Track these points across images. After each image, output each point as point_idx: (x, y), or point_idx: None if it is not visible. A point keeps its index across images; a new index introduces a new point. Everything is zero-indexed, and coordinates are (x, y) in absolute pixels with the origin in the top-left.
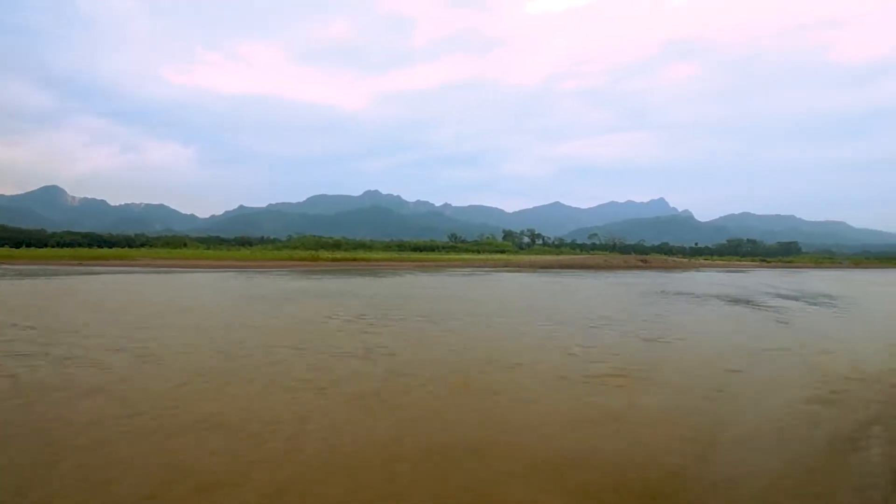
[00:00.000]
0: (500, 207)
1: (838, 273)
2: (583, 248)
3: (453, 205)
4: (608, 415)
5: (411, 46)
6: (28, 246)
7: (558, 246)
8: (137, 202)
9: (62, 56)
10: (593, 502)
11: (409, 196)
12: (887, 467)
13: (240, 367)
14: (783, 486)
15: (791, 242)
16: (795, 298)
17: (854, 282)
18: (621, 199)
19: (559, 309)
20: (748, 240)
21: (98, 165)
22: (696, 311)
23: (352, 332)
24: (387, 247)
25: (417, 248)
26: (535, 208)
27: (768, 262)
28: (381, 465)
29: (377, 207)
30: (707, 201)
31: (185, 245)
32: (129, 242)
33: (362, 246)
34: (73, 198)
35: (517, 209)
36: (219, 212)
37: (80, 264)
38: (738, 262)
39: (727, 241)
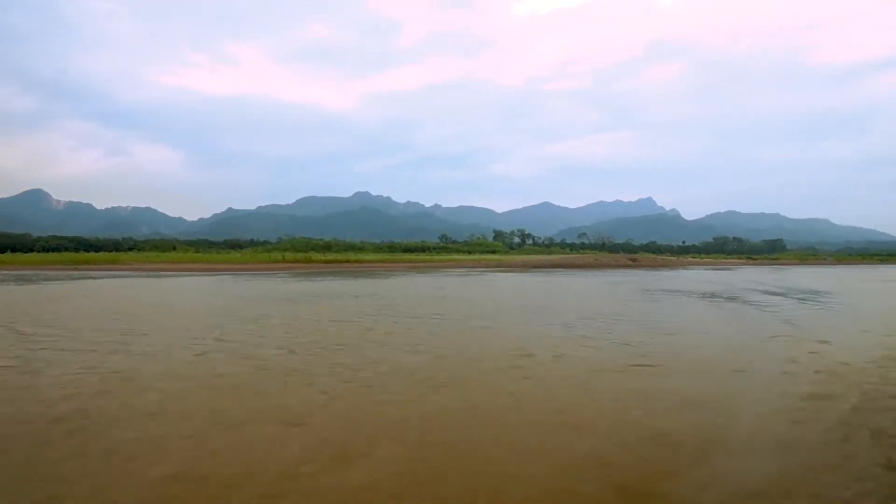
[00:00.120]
0: (490, 208)
1: (823, 270)
2: (572, 247)
3: (443, 205)
4: (641, 393)
5: (399, 47)
6: (13, 251)
7: (548, 246)
8: (124, 205)
9: (45, 58)
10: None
11: (399, 197)
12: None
13: (360, 363)
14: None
15: (776, 240)
16: (785, 295)
17: (840, 278)
18: (609, 199)
19: (566, 308)
20: (734, 238)
21: (83, 168)
22: (695, 307)
23: (393, 332)
24: (378, 248)
25: (408, 249)
26: (524, 208)
27: (754, 259)
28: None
29: (367, 209)
30: (693, 200)
31: (174, 248)
32: (116, 246)
33: (353, 247)
34: (59, 201)
35: (507, 209)
36: (207, 214)
37: (75, 269)
38: (725, 260)
39: (713, 239)
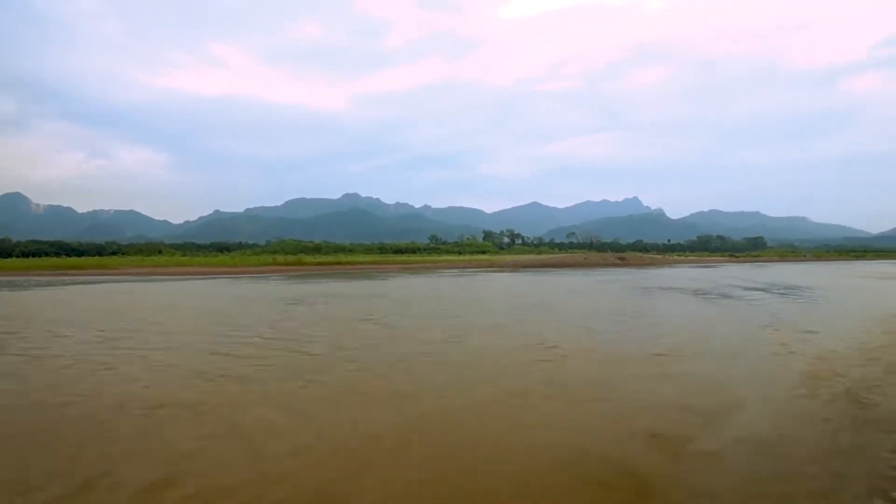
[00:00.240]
0: (479, 208)
1: (803, 266)
2: (561, 246)
3: (433, 206)
4: (667, 376)
5: (388, 48)
6: None
7: (537, 245)
8: (106, 209)
9: (24, 58)
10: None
11: (389, 198)
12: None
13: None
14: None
15: (757, 237)
16: (770, 290)
17: (819, 274)
18: (597, 199)
19: (572, 306)
20: (717, 236)
21: (64, 171)
22: (691, 303)
23: (425, 329)
24: (368, 250)
25: (399, 251)
26: (513, 208)
27: (737, 257)
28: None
29: (356, 210)
30: (678, 199)
31: (159, 252)
32: (99, 251)
33: (343, 249)
34: (38, 205)
35: (497, 210)
36: (193, 217)
37: (63, 274)
38: (709, 258)
39: (697, 237)
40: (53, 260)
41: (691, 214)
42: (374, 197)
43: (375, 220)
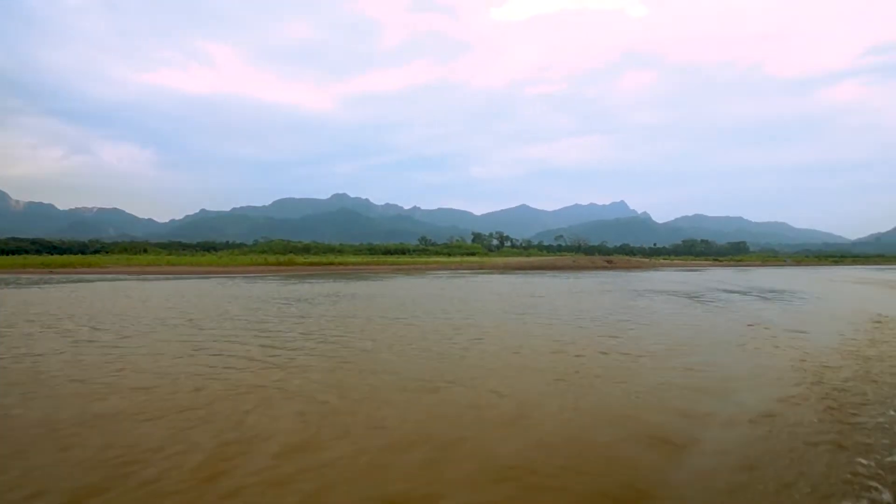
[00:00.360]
0: (468, 210)
1: (784, 270)
2: (549, 249)
3: (422, 208)
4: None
5: (379, 50)
6: None
7: (526, 248)
8: (89, 206)
9: (3, 51)
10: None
11: (378, 199)
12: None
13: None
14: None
15: (740, 242)
16: (757, 294)
17: (801, 278)
18: (584, 202)
19: (573, 307)
20: (702, 240)
21: (45, 167)
22: (685, 305)
23: (445, 327)
24: (357, 250)
25: (388, 252)
26: (502, 211)
27: (720, 260)
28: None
29: (345, 210)
30: (664, 203)
31: (144, 251)
32: (82, 249)
33: (332, 250)
34: (17, 202)
35: (485, 212)
36: (179, 216)
37: (52, 272)
38: (694, 262)
39: (682, 241)
40: (41, 258)
41: (676, 218)
42: (364, 197)
43: (364, 220)
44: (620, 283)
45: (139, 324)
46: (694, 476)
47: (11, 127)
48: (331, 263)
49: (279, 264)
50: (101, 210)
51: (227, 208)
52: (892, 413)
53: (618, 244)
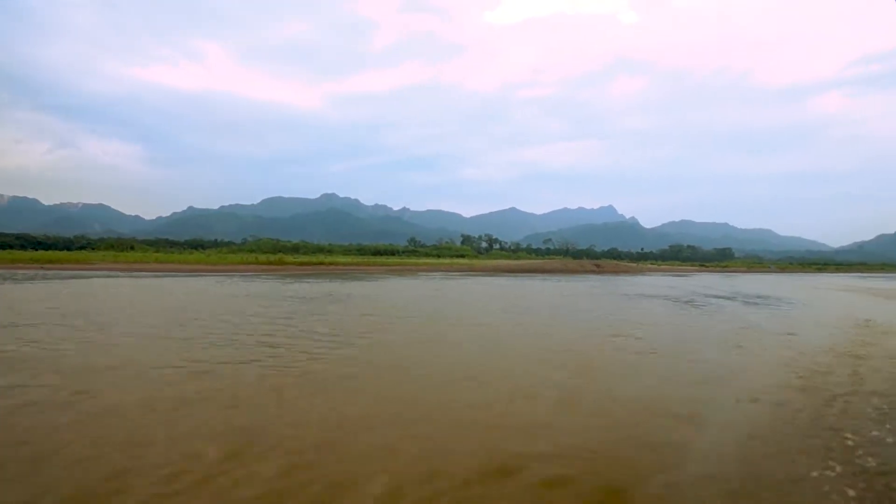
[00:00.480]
0: (458, 212)
1: (769, 277)
2: (538, 252)
3: (411, 209)
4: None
5: (372, 50)
6: None
7: (515, 251)
8: (74, 201)
9: None
10: None
11: (367, 199)
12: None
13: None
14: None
15: (726, 248)
16: (746, 300)
17: (787, 285)
18: (573, 206)
19: (573, 307)
20: (688, 246)
21: (29, 161)
22: (680, 310)
23: (487, 325)
24: (346, 250)
25: (378, 252)
26: (491, 213)
27: (706, 266)
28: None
29: (334, 210)
30: (652, 209)
31: (132, 248)
32: (67, 245)
33: (321, 249)
34: (1, 196)
35: (475, 214)
36: (166, 213)
37: (44, 267)
38: (681, 267)
39: (669, 246)
40: (30, 253)
41: (664, 224)
42: (353, 198)
43: (353, 220)
44: (611, 287)
45: (202, 320)
46: (711, 443)
47: None
48: (322, 263)
49: (269, 263)
50: (86, 206)
51: (216, 206)
52: (875, 400)
53: (606, 248)
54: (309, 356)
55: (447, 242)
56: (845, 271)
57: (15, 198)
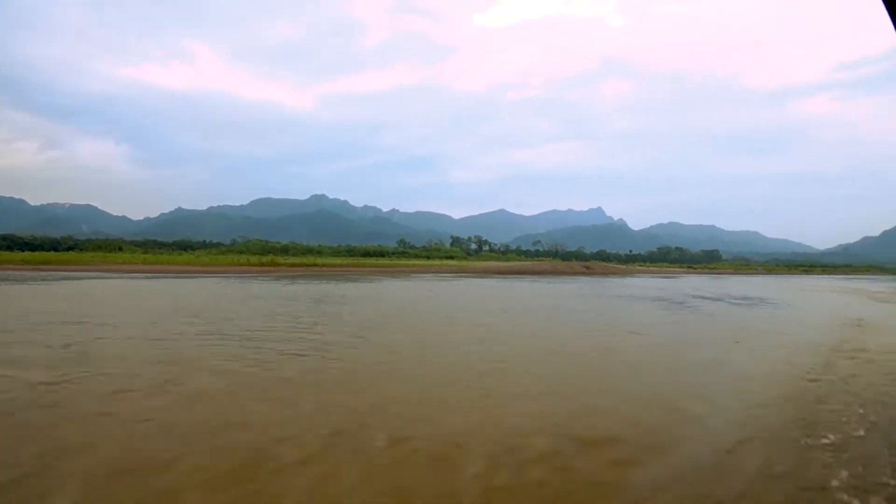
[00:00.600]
0: (447, 214)
1: (757, 279)
2: (527, 254)
3: (400, 210)
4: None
5: (360, 51)
6: None
7: (504, 252)
8: (61, 202)
9: None
10: None
11: (357, 201)
12: None
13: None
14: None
15: (713, 250)
16: (735, 300)
17: (775, 287)
18: (562, 208)
19: (570, 308)
20: (676, 248)
21: (15, 162)
22: (675, 310)
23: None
24: (336, 252)
25: (367, 254)
26: (480, 215)
27: (694, 268)
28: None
29: (324, 212)
30: (640, 210)
31: (120, 249)
32: (55, 246)
33: (311, 251)
34: None
35: (464, 216)
36: (154, 213)
37: (37, 269)
38: (669, 269)
39: (657, 248)
40: (21, 255)
41: (652, 226)
42: (342, 199)
43: (343, 222)
44: (602, 289)
45: (241, 319)
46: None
47: None
48: (314, 265)
49: (262, 265)
50: (73, 206)
51: (204, 207)
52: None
53: (595, 250)
54: (370, 348)
55: (437, 244)
56: (831, 273)
57: (1, 198)
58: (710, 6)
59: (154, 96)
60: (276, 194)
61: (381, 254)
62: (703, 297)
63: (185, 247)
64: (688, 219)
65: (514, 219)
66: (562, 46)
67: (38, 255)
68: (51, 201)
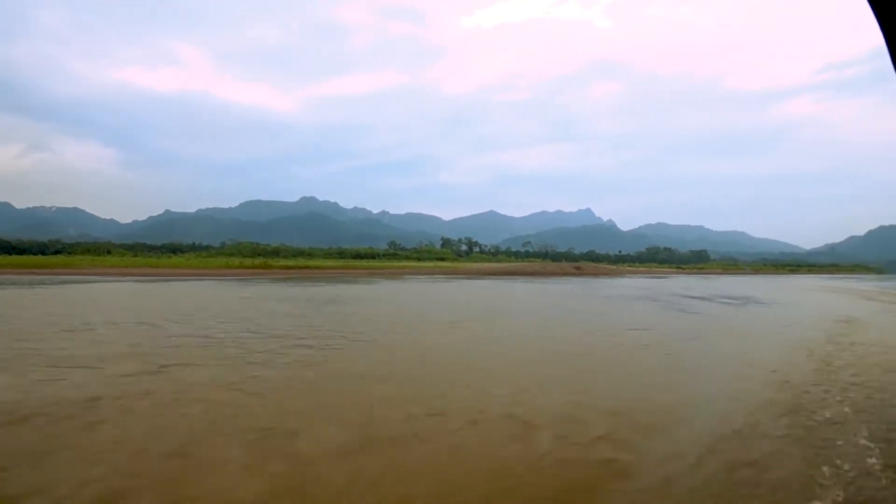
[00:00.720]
0: (436, 215)
1: (745, 279)
2: (517, 255)
3: (391, 212)
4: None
5: (348, 53)
6: None
7: (494, 253)
8: (48, 205)
9: None
10: None
11: (347, 203)
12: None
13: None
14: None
15: (701, 251)
16: (727, 299)
17: (764, 286)
18: (552, 209)
19: (571, 308)
20: (665, 248)
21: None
22: (672, 308)
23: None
24: (327, 254)
25: (359, 256)
26: (470, 216)
27: (683, 268)
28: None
29: (314, 214)
30: (628, 211)
31: (108, 252)
32: (42, 249)
33: (302, 253)
34: None
35: (454, 217)
36: (142, 216)
37: (31, 273)
38: (658, 269)
39: (646, 249)
40: (16, 258)
41: (640, 226)
42: (332, 201)
43: (333, 224)
44: (593, 289)
45: (258, 319)
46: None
47: None
48: (307, 267)
49: (255, 267)
50: (60, 209)
51: (193, 209)
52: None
53: (584, 251)
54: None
55: (427, 246)
56: (818, 272)
57: None
58: (697, 9)
59: (141, 99)
60: (266, 196)
61: (372, 256)
62: (695, 298)
63: (174, 250)
64: (676, 219)
65: (503, 220)
66: (549, 49)
67: (32, 258)
68: (37, 204)
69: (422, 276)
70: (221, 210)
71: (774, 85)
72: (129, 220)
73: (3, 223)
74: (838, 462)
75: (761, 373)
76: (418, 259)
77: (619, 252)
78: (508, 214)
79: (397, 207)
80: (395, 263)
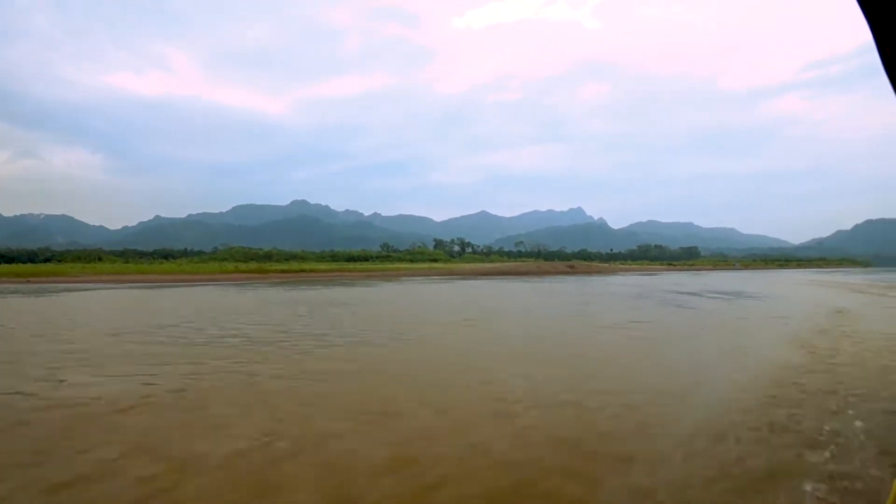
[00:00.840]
0: (429, 216)
1: (736, 274)
2: (510, 255)
3: (382, 214)
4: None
5: (339, 56)
6: None
7: (487, 254)
8: (35, 212)
9: None
10: None
11: (338, 205)
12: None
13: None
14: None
15: (692, 247)
16: (722, 294)
17: (756, 281)
18: (543, 208)
19: (571, 305)
20: (655, 245)
21: None
22: (670, 304)
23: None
24: (320, 257)
25: (352, 258)
26: (462, 217)
27: (674, 265)
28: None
29: (305, 217)
30: (619, 209)
31: (99, 259)
32: (31, 257)
33: (294, 257)
34: None
35: (446, 218)
36: (132, 222)
37: (27, 282)
38: (650, 266)
39: (637, 246)
40: (13, 267)
41: (631, 224)
42: (324, 204)
43: (325, 227)
44: (589, 287)
45: (284, 324)
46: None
47: None
48: (302, 270)
49: (250, 272)
50: (48, 216)
51: (183, 214)
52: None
53: (576, 249)
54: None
55: (420, 247)
56: (806, 267)
57: None
58: (686, 10)
59: (129, 104)
60: (257, 200)
61: (365, 258)
62: (689, 293)
63: (165, 255)
64: (666, 216)
65: (495, 220)
66: (539, 50)
67: (23, 267)
68: (24, 212)
69: (417, 278)
70: (212, 215)
71: (763, 83)
72: (119, 227)
73: None
74: (833, 448)
75: (762, 363)
76: (411, 261)
77: (611, 250)
78: (500, 214)
79: (389, 209)
80: (390, 265)
